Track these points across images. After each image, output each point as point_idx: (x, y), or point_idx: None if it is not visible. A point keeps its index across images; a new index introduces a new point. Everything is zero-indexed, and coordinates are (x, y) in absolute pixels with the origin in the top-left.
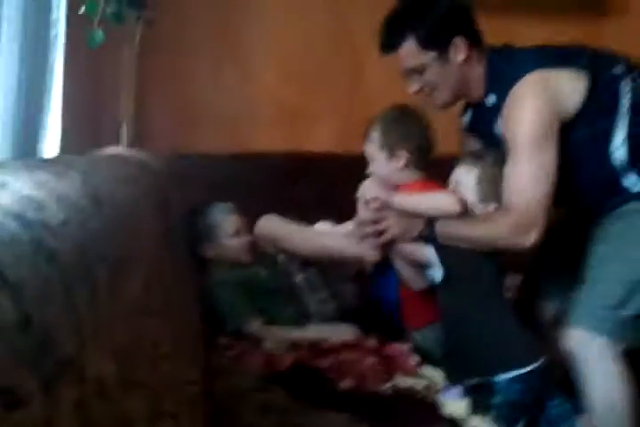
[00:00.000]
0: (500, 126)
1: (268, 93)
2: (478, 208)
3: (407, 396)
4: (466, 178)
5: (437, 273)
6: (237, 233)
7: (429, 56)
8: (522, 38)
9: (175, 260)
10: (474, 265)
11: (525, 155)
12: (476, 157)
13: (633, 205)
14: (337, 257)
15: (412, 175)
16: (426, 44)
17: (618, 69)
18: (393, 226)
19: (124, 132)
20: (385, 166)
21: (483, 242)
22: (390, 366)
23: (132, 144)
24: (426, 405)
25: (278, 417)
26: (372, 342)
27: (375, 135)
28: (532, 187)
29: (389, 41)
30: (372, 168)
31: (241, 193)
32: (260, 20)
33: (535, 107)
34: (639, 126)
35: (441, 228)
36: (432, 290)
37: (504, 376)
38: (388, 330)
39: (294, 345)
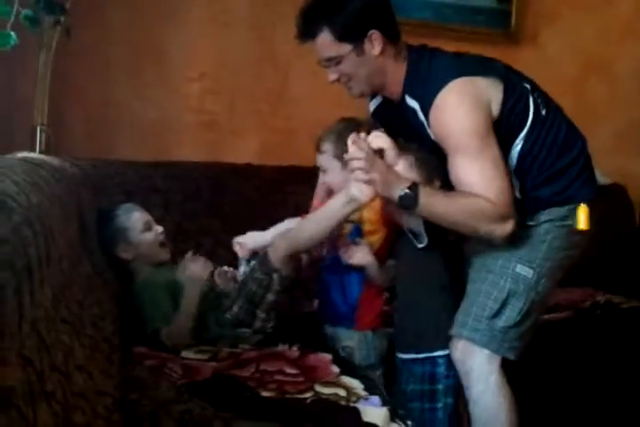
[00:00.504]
0: (433, 132)
1: (190, 104)
2: None
3: (330, 403)
4: (402, 165)
5: (423, 240)
6: (147, 228)
7: (344, 48)
8: None
9: (91, 266)
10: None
11: (477, 153)
12: (402, 146)
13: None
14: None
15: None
16: (341, 36)
17: (527, 85)
18: (379, 174)
19: (39, 137)
20: (339, 176)
21: (461, 223)
22: (310, 377)
23: (46, 150)
24: (349, 411)
25: None
26: (293, 353)
27: (327, 146)
28: (495, 180)
29: (306, 30)
30: (326, 178)
31: (159, 201)
32: (183, 30)
33: (469, 109)
34: (529, 142)
35: (425, 198)
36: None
37: (443, 353)
38: (310, 340)
39: (215, 355)
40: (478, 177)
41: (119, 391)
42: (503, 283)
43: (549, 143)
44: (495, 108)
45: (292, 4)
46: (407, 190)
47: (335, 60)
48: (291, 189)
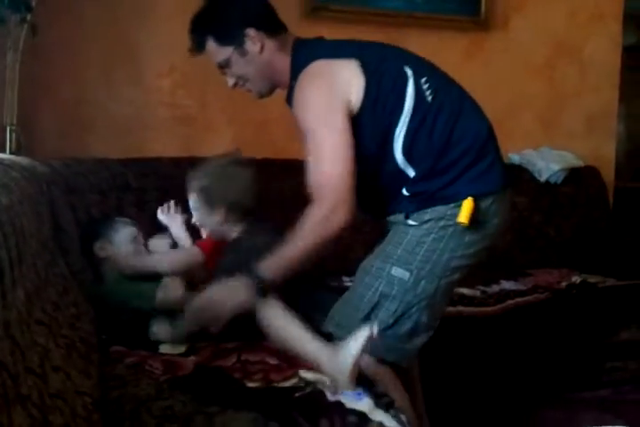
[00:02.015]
0: (293, 115)
1: (162, 99)
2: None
3: (316, 391)
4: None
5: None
6: (131, 240)
7: (228, 51)
8: (416, 47)
9: (66, 266)
10: None
11: (317, 136)
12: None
13: (397, 216)
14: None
15: (231, 229)
16: (221, 40)
17: (408, 70)
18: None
19: (9, 138)
20: (205, 219)
21: (311, 243)
22: (293, 364)
23: (17, 150)
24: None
25: (179, 425)
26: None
27: (193, 190)
28: (331, 166)
29: (195, 43)
30: (194, 218)
31: (133, 199)
32: (154, 24)
33: (316, 92)
34: (411, 131)
35: (266, 268)
36: None
37: None
38: None
39: (192, 347)
40: (315, 162)
41: (99, 391)
42: (377, 285)
43: (438, 132)
44: (355, 91)
45: None
46: (256, 285)
47: (226, 65)
48: (265, 181)
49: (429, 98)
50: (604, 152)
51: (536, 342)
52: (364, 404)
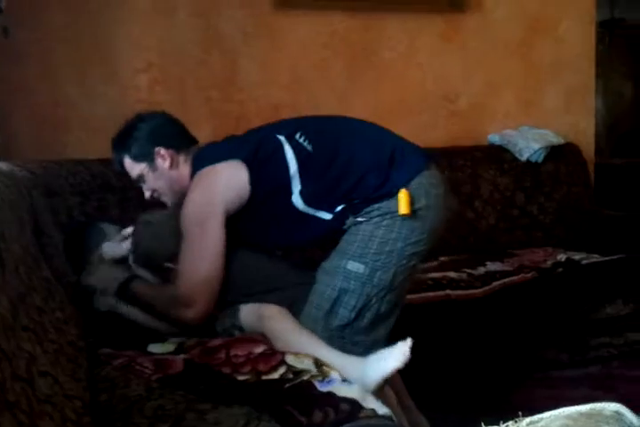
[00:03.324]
0: None
1: (140, 96)
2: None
3: (305, 382)
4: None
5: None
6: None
7: (141, 166)
8: (393, 31)
9: (50, 271)
10: None
11: (189, 238)
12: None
13: (348, 223)
14: None
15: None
16: (135, 157)
17: (280, 136)
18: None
19: None
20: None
21: (157, 307)
22: (279, 352)
23: None
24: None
25: (171, 423)
26: (258, 336)
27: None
28: (194, 268)
29: (116, 160)
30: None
31: (115, 200)
32: (126, 21)
33: (196, 195)
34: (309, 181)
35: (135, 287)
36: None
37: None
38: None
39: (181, 345)
40: (182, 261)
41: (89, 394)
42: (335, 282)
43: (334, 169)
44: (239, 182)
45: None
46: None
47: (141, 179)
48: None
49: (309, 147)
50: (583, 129)
51: (524, 321)
52: (354, 391)
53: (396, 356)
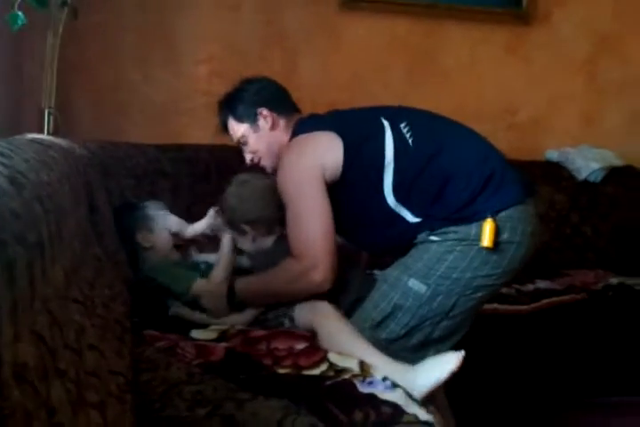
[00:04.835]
0: None
1: (198, 86)
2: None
3: (347, 381)
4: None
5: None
6: (170, 228)
7: (244, 127)
8: (454, 39)
9: (101, 248)
10: None
11: (293, 202)
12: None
13: (420, 238)
14: None
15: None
16: (239, 117)
17: (385, 121)
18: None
19: (47, 120)
20: (239, 239)
21: (279, 292)
22: (321, 349)
23: (54, 133)
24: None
25: (210, 409)
26: (301, 331)
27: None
28: (305, 230)
29: (221, 121)
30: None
31: (168, 185)
32: (191, 13)
33: (294, 160)
34: (402, 173)
35: (240, 286)
36: None
37: None
38: None
39: (223, 333)
40: (290, 227)
41: (131, 372)
42: (392, 295)
43: (429, 172)
44: (335, 156)
45: None
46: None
47: (243, 141)
48: None
49: (410, 141)
50: None
51: (571, 342)
52: (397, 395)
53: (447, 366)
